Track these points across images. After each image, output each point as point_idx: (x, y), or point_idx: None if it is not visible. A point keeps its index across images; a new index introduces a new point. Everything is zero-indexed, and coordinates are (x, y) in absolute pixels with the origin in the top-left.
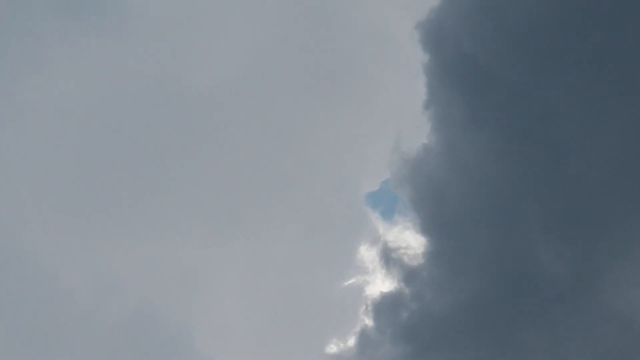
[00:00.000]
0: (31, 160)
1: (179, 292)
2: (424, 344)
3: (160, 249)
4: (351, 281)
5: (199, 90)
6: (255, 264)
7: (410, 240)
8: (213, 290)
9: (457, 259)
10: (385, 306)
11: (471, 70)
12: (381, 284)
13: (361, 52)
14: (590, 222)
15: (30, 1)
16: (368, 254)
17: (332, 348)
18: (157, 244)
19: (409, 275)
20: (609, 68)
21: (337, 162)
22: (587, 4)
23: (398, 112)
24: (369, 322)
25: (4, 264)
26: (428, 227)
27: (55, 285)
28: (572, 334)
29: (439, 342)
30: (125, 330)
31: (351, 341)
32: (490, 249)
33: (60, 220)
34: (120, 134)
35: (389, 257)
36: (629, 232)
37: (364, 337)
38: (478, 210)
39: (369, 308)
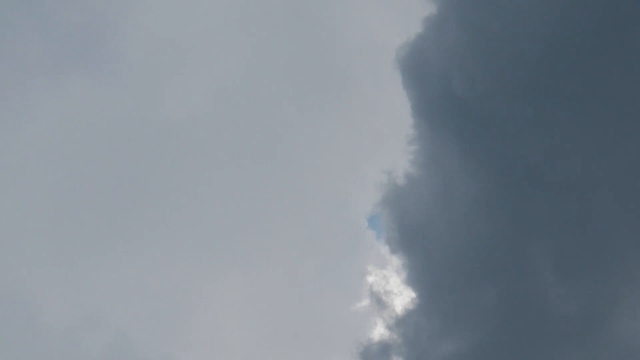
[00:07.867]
0: (11, 192)
1: (162, 324)
2: None
3: (144, 279)
4: (354, 307)
5: (189, 119)
6: (247, 294)
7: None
8: (200, 321)
9: (455, 310)
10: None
11: (463, 110)
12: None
13: (358, 66)
14: (599, 259)
15: (19, 46)
16: (369, 280)
17: None
18: (140, 274)
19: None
20: (609, 104)
21: (336, 184)
22: (585, 39)
23: (392, 132)
24: None
25: None
26: (417, 277)
27: (33, 318)
28: None
29: None
30: None
31: None
32: (496, 293)
33: (38, 252)
34: (101, 165)
35: (380, 300)
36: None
37: None
38: (479, 255)
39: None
